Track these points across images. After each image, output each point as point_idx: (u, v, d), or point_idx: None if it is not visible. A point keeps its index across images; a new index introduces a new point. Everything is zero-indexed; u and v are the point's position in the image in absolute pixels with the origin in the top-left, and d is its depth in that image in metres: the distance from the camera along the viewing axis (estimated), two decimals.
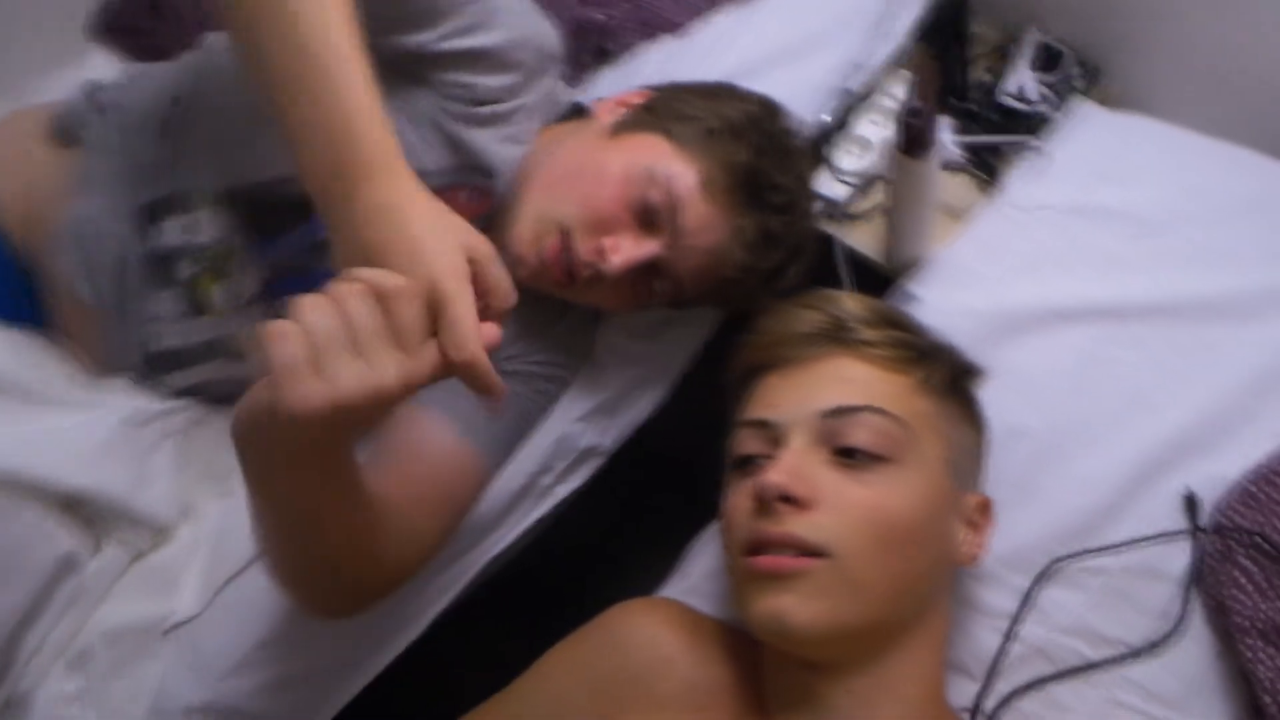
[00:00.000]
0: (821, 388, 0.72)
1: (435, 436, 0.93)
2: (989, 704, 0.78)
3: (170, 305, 0.94)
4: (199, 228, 0.92)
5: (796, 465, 0.68)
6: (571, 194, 0.89)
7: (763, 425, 0.73)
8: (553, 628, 0.85)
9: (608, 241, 0.88)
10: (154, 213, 0.92)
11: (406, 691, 1.02)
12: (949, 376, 0.75)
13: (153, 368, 0.97)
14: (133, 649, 0.91)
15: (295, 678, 0.96)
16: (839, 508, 0.67)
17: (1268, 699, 0.65)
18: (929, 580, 0.72)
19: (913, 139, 0.84)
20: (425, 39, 0.88)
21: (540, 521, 1.07)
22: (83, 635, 0.91)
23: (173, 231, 0.92)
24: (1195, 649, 0.75)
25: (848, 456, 0.69)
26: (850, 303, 0.77)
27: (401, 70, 0.89)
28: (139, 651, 0.91)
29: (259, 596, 0.92)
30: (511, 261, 0.91)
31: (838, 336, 0.74)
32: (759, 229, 0.90)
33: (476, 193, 0.94)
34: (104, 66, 1.22)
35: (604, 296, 0.93)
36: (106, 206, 0.93)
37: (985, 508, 0.76)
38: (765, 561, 0.67)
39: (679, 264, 0.90)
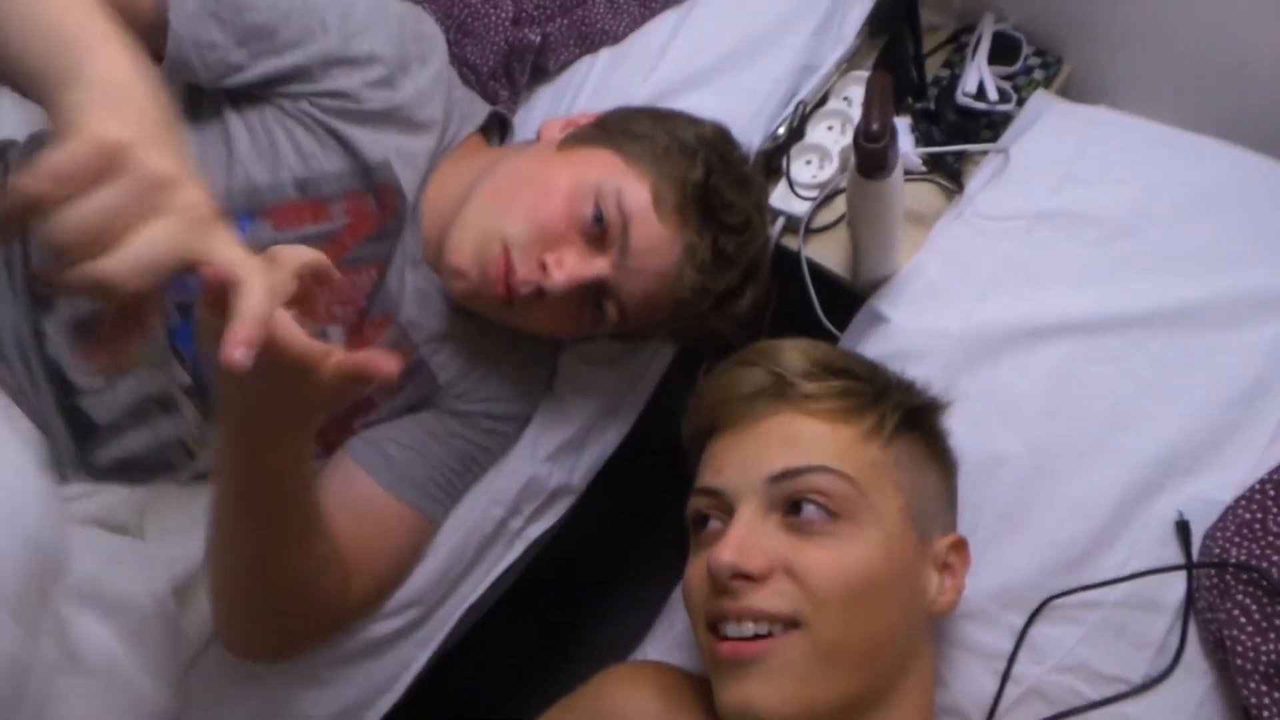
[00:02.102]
0: (767, 449, 0.70)
1: (361, 489, 0.90)
2: None
3: (96, 376, 0.87)
4: None
5: (745, 538, 0.67)
6: (515, 207, 0.85)
7: (713, 493, 0.71)
8: (541, 674, 0.83)
9: (550, 257, 0.83)
10: None
11: None
12: (902, 418, 0.73)
13: (87, 442, 0.90)
14: None
15: None
16: (797, 574, 0.66)
17: None
18: (903, 637, 0.70)
19: (871, 162, 0.80)
20: (268, 67, 0.84)
21: (514, 566, 1.04)
22: None
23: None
24: (1194, 682, 0.73)
25: (798, 519, 0.67)
26: (791, 355, 0.74)
27: (273, 95, 0.86)
28: None
29: (232, 677, 0.89)
30: (449, 274, 0.87)
31: (780, 393, 0.72)
32: (712, 249, 0.86)
33: (383, 191, 0.88)
34: (13, 109, 1.15)
35: (545, 318, 0.88)
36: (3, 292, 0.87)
37: (959, 548, 0.74)
38: (726, 649, 0.66)
39: (627, 286, 0.85)
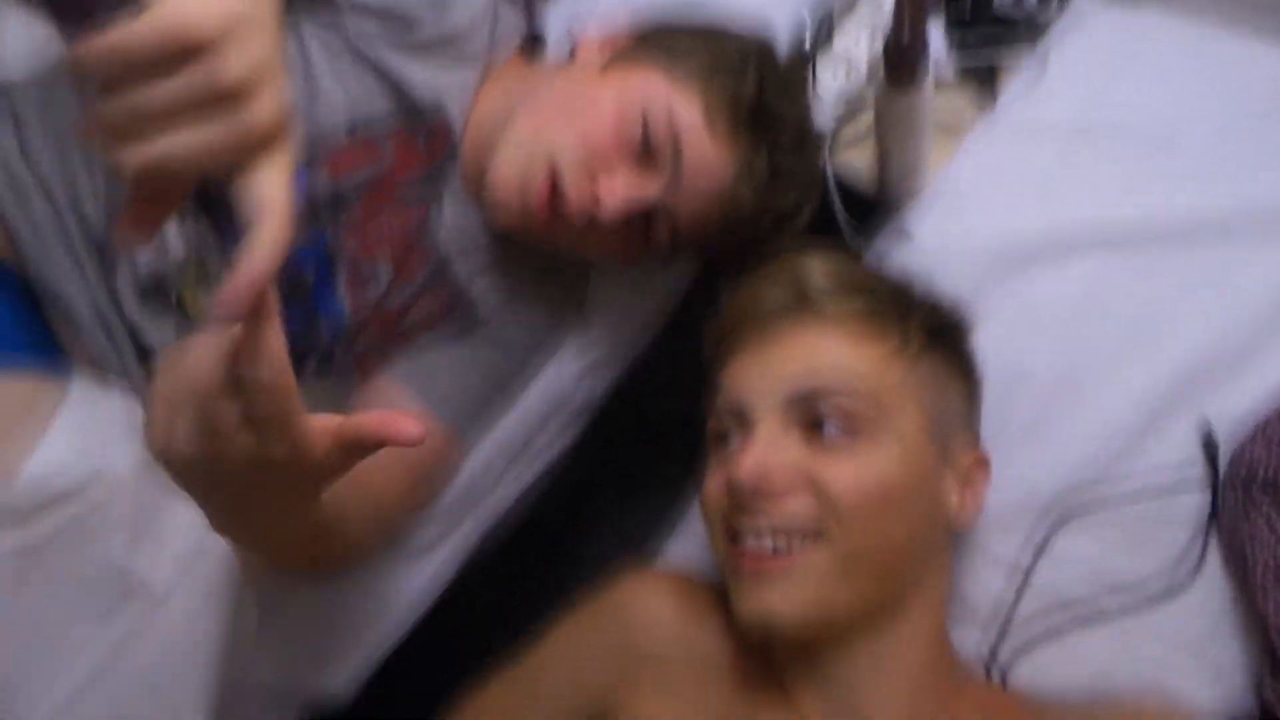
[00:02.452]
0: (789, 366, 0.70)
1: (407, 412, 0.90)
2: (1004, 654, 0.77)
3: (169, 334, 0.88)
4: (168, 246, 0.85)
5: (766, 453, 0.67)
6: (561, 131, 0.82)
7: (733, 409, 0.72)
8: (560, 583, 0.85)
9: (603, 182, 0.81)
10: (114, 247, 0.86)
11: (418, 658, 1.03)
12: (927, 337, 0.72)
13: None
14: None
15: (309, 654, 0.97)
16: (818, 487, 0.66)
17: None
18: (921, 549, 0.71)
19: (899, 71, 0.78)
20: None
21: (540, 478, 1.06)
22: None
23: (148, 258, 0.86)
24: (1213, 593, 0.74)
25: (820, 434, 0.67)
26: (816, 272, 0.73)
27: (320, 4, 0.83)
28: None
29: (266, 594, 0.92)
30: (494, 206, 0.86)
31: (803, 310, 0.72)
32: (770, 166, 0.84)
33: (434, 134, 0.87)
34: (20, 33, 1.13)
35: (595, 245, 0.87)
36: (64, 262, 0.86)
37: (981, 463, 0.75)
38: (748, 562, 0.67)
39: (681, 207, 0.84)
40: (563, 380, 1.01)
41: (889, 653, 0.69)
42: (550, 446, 1.05)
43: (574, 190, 0.81)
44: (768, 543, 0.66)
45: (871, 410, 0.68)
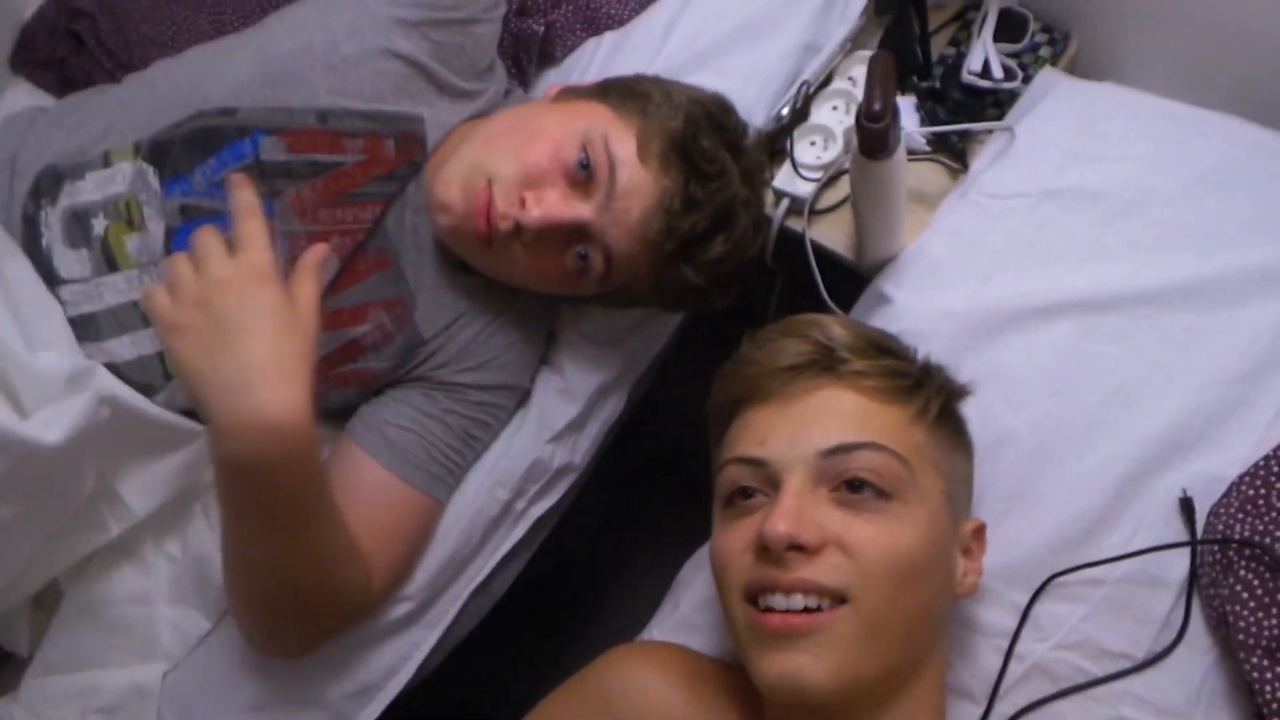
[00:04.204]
0: (816, 423, 0.68)
1: (368, 475, 0.90)
2: None
3: (84, 266, 0.90)
4: (115, 180, 0.90)
5: (799, 509, 0.65)
6: (505, 148, 0.87)
7: (756, 463, 0.69)
8: (549, 655, 0.83)
9: (529, 195, 0.85)
10: (70, 172, 0.91)
11: None
12: (942, 404, 0.72)
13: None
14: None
15: None
16: (849, 549, 0.65)
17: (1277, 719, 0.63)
18: (938, 615, 0.70)
19: (872, 142, 0.79)
20: None
21: (521, 545, 1.05)
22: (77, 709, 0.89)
23: (89, 188, 0.90)
24: (1198, 658, 0.73)
25: (850, 495, 0.66)
26: (838, 329, 0.72)
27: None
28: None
29: (244, 656, 0.91)
30: (435, 208, 0.90)
31: (828, 367, 0.71)
32: (683, 194, 0.86)
33: (404, 140, 0.92)
34: (26, 100, 1.17)
35: (526, 264, 0.89)
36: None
37: (979, 532, 0.74)
38: (776, 621, 0.64)
39: (610, 232, 0.86)
40: (539, 444, 1.01)
41: None
42: (531, 510, 1.04)
43: (502, 199, 0.85)
44: (798, 600, 0.64)
45: (901, 469, 0.67)
